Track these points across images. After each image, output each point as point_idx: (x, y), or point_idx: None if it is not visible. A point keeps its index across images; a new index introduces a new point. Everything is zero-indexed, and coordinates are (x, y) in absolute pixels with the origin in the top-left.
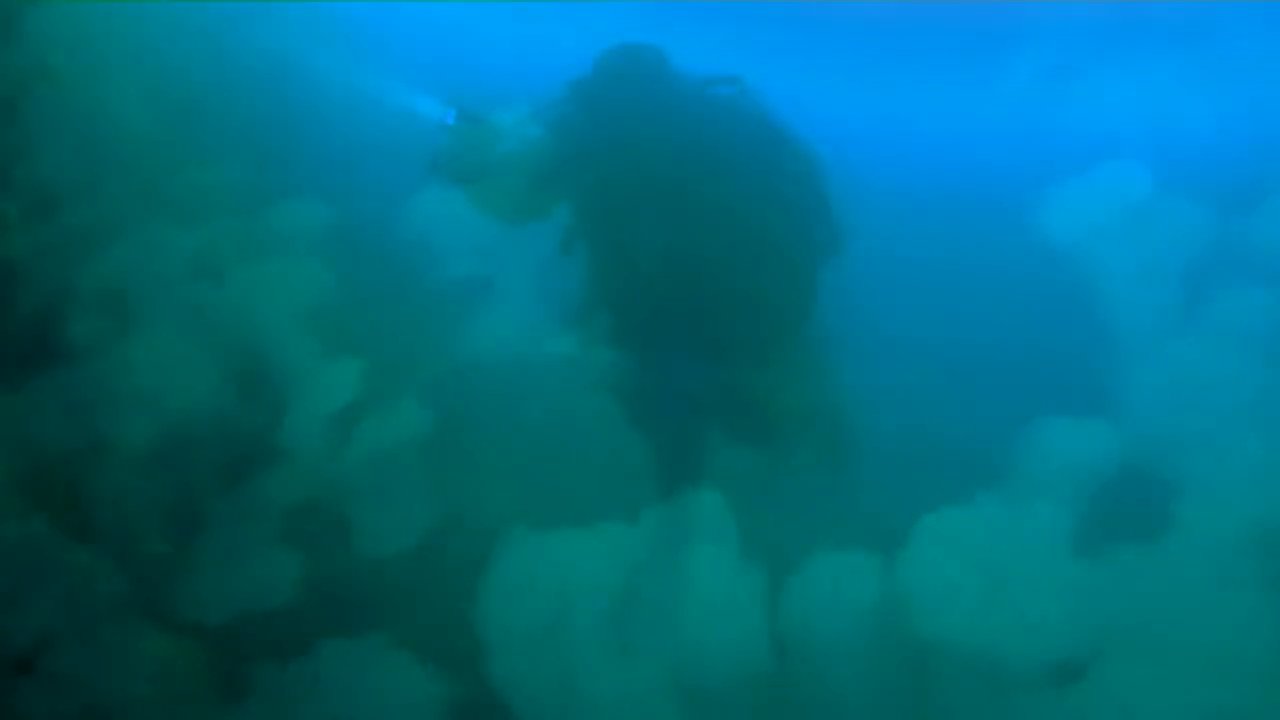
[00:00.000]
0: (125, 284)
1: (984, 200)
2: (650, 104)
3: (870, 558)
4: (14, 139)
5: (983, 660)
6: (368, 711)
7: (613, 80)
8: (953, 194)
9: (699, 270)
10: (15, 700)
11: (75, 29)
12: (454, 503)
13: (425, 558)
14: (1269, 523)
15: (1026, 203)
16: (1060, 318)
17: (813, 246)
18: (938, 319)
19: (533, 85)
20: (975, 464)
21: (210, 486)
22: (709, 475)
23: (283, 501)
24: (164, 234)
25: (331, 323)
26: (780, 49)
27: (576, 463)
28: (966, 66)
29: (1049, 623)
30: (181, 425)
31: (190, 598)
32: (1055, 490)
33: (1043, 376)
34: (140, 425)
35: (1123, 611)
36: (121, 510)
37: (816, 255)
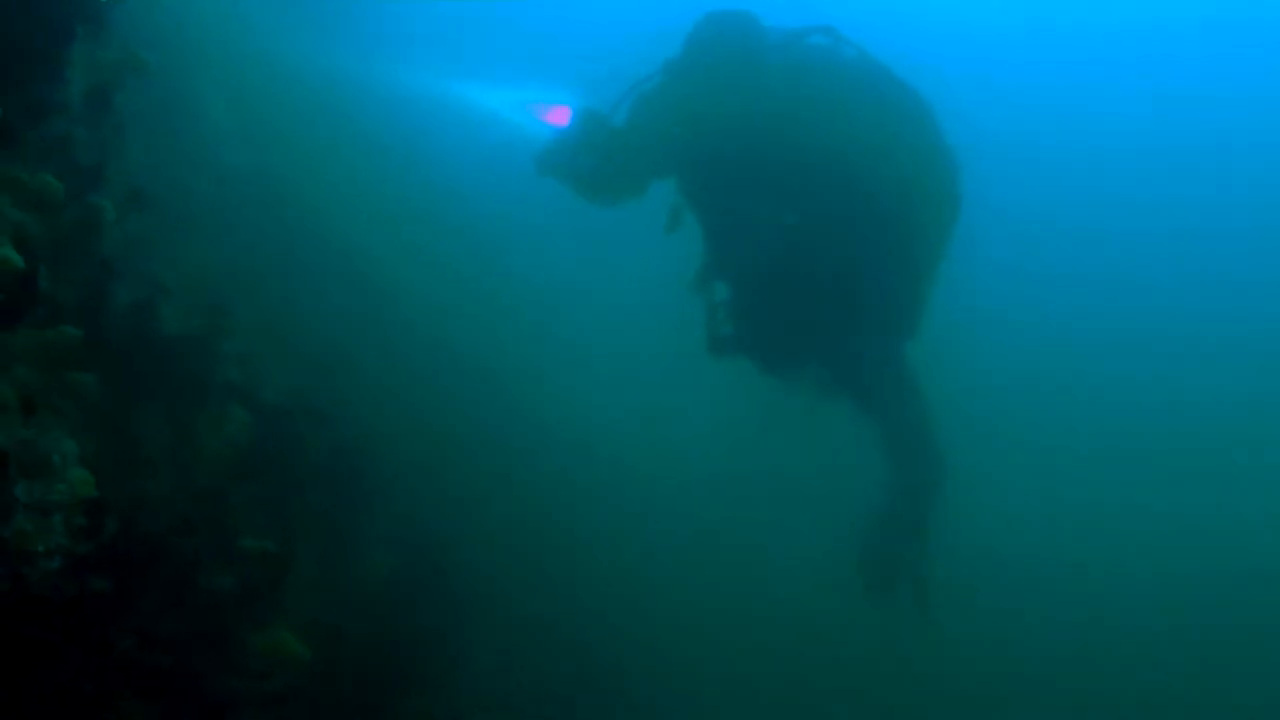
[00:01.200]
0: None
1: None
2: (747, 71)
3: None
4: (107, 135)
5: None
6: None
7: (707, 51)
8: None
9: (809, 240)
10: (121, 698)
11: (163, 23)
12: None
13: None
14: None
15: None
16: None
17: (937, 206)
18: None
19: (614, 66)
20: None
21: (307, 479)
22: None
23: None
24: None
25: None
26: None
27: None
28: None
29: None
30: (275, 418)
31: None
32: None
33: None
34: (235, 417)
35: None
36: (221, 505)
37: (941, 217)
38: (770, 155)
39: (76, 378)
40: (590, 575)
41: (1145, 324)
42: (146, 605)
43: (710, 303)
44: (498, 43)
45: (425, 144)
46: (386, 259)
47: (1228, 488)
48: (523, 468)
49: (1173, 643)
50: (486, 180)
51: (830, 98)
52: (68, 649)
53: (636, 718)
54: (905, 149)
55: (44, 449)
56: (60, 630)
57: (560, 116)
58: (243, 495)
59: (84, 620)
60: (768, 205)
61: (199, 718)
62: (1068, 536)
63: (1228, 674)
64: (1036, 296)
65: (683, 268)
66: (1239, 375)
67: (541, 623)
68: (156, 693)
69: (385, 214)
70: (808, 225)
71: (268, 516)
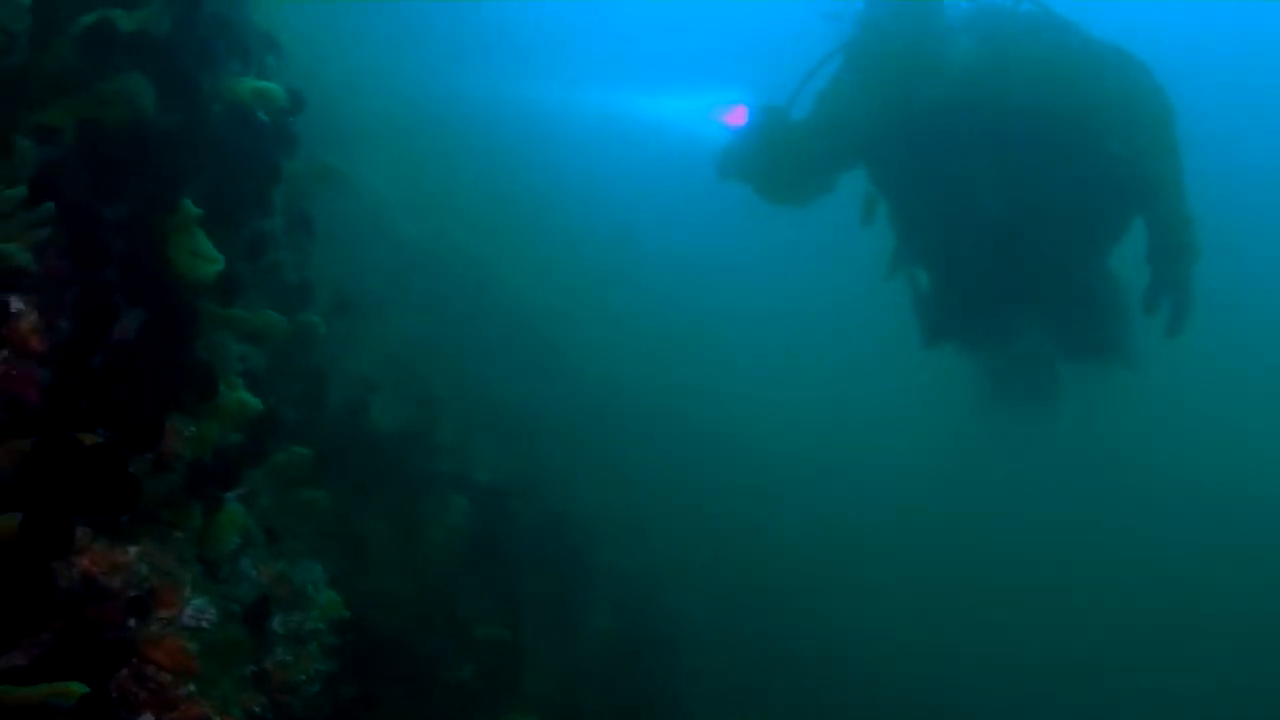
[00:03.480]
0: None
1: None
2: (933, 52)
3: None
4: (305, 246)
5: None
6: None
7: (893, 27)
8: None
9: (1011, 219)
10: None
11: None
12: None
13: None
14: None
15: None
16: None
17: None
18: None
19: (781, 60)
20: None
21: (525, 557)
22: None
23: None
24: None
25: None
26: None
27: None
28: None
29: None
30: (490, 501)
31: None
32: None
33: None
34: (455, 506)
35: None
36: (451, 595)
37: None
38: (995, 124)
39: (309, 495)
40: (809, 623)
41: None
42: (392, 704)
43: (916, 293)
44: (655, 48)
45: (597, 171)
46: (561, 309)
47: None
48: (724, 512)
49: None
50: (660, 204)
51: (1046, 58)
52: None
53: None
54: (1132, 102)
55: (297, 580)
56: None
57: (737, 117)
58: (470, 582)
59: None
60: (991, 177)
61: None
62: None
63: None
64: None
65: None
66: None
67: (762, 690)
68: None
69: (555, 262)
70: (1035, 192)
71: (495, 600)
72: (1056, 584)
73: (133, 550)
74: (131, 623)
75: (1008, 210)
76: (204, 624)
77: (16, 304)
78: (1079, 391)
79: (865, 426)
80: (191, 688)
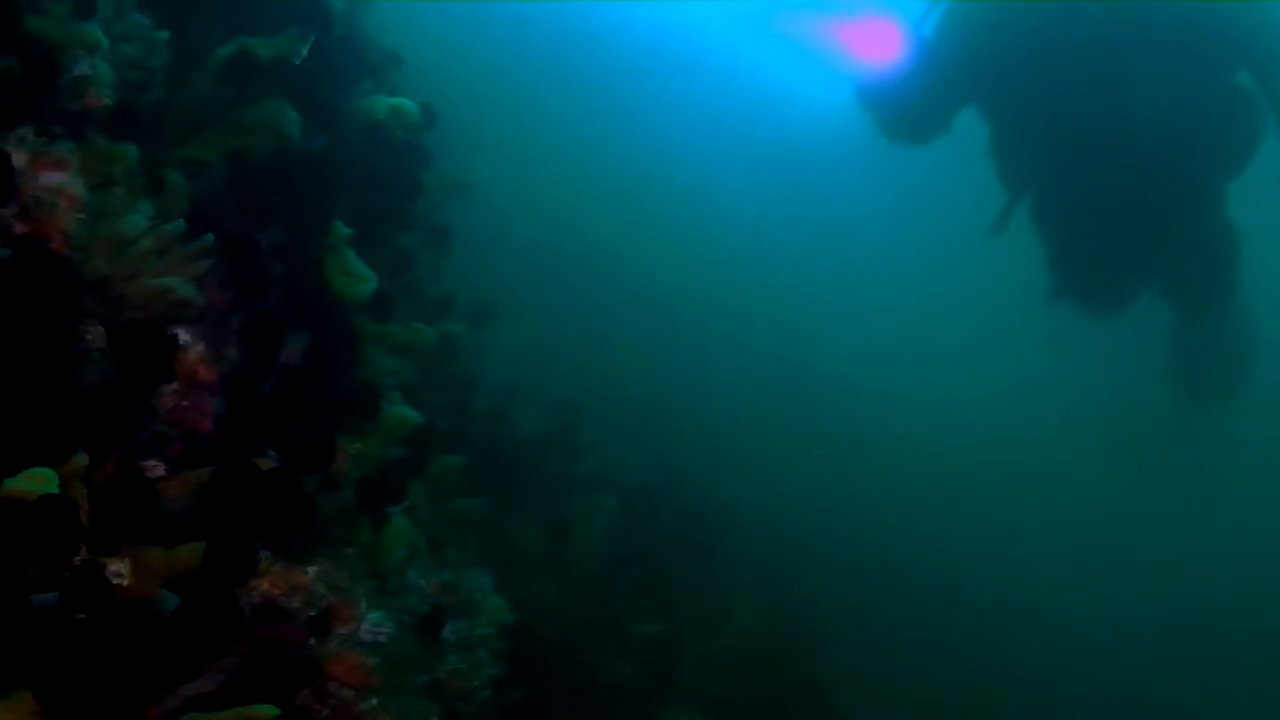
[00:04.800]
0: None
1: None
2: None
3: None
4: (441, 256)
5: None
6: None
7: None
8: None
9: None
10: None
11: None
12: None
13: None
14: None
15: None
16: None
17: None
18: None
19: None
20: None
21: (674, 553)
22: None
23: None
24: None
25: None
26: None
27: None
28: None
29: None
30: (637, 499)
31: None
32: None
33: None
34: (604, 507)
35: None
36: (607, 595)
37: None
38: (1135, 38)
39: (466, 503)
40: (959, 612)
41: None
42: (557, 706)
43: (1047, 249)
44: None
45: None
46: (691, 293)
47: None
48: (869, 497)
49: None
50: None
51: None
52: None
53: None
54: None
55: (464, 588)
56: None
57: (879, 46)
58: (621, 581)
59: None
60: (1128, 99)
61: None
62: None
63: None
64: None
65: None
66: None
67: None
68: None
69: (687, 257)
70: (1172, 120)
71: (646, 597)
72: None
73: (311, 570)
74: (312, 641)
75: (1143, 138)
76: (381, 638)
77: (184, 336)
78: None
79: (1018, 416)
80: (373, 701)
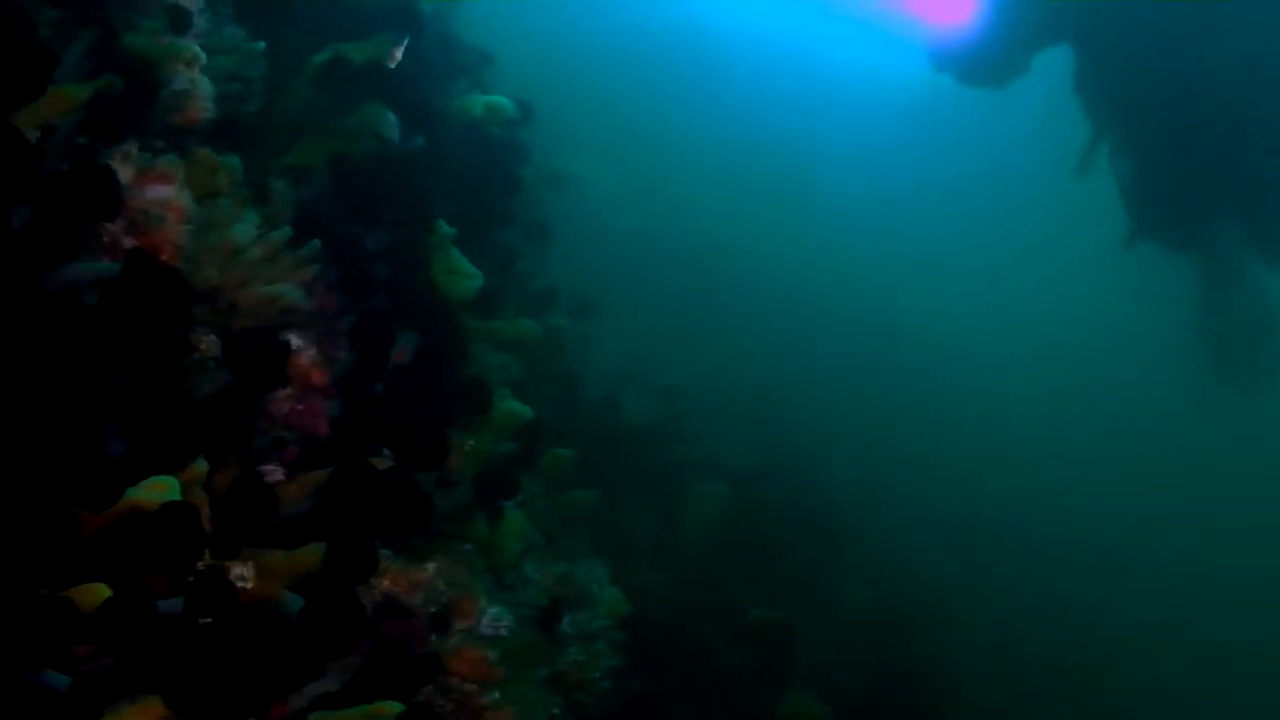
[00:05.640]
0: None
1: None
2: None
3: None
4: (542, 251)
5: None
6: None
7: None
8: None
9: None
10: None
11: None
12: None
13: None
14: None
15: None
16: None
17: None
18: None
19: None
20: None
21: (784, 538)
22: None
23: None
24: None
25: None
26: None
27: None
28: None
29: None
30: (746, 486)
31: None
32: None
33: None
34: (713, 494)
35: None
36: (719, 582)
37: None
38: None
39: (579, 495)
40: (1079, 593)
41: None
42: (673, 695)
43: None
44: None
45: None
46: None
47: None
48: (977, 475)
49: None
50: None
51: None
52: None
53: None
54: None
55: (580, 580)
56: None
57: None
58: (732, 567)
59: None
60: (1216, 34)
61: None
62: None
63: None
64: None
65: None
66: None
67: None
68: None
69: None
70: (1260, 51)
71: (758, 583)
72: None
73: (430, 567)
74: (433, 638)
75: (1231, 73)
76: (501, 631)
77: (295, 341)
78: None
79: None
80: (495, 695)
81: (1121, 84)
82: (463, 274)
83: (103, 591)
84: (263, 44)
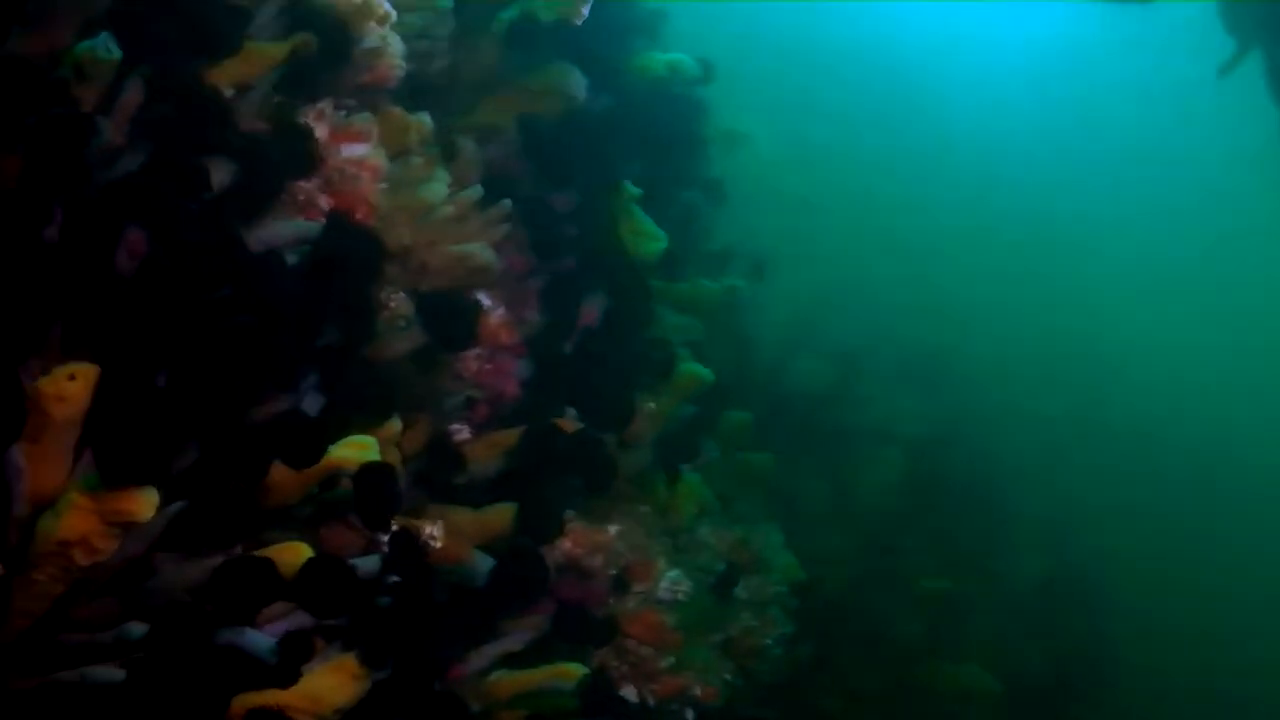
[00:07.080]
0: None
1: None
2: None
3: None
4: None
5: None
6: None
7: None
8: None
9: None
10: None
11: None
12: None
13: None
14: None
15: None
16: None
17: None
18: None
19: None
20: None
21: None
22: None
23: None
24: None
25: None
26: None
27: None
28: None
29: None
30: (920, 454)
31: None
32: None
33: None
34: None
35: None
36: (891, 549)
37: None
38: None
39: (755, 458)
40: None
41: None
42: (843, 662)
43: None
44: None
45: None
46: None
47: None
48: (1146, 452)
49: None
50: None
51: None
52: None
53: None
54: None
55: (755, 544)
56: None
57: None
58: (904, 535)
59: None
60: None
61: None
62: None
63: None
64: None
65: None
66: None
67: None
68: None
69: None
70: None
71: (930, 552)
72: None
73: (612, 529)
74: (611, 600)
75: None
76: (680, 596)
77: (485, 301)
78: None
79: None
80: (671, 659)
81: None
82: (648, 235)
83: (304, 551)
84: (450, 1)
